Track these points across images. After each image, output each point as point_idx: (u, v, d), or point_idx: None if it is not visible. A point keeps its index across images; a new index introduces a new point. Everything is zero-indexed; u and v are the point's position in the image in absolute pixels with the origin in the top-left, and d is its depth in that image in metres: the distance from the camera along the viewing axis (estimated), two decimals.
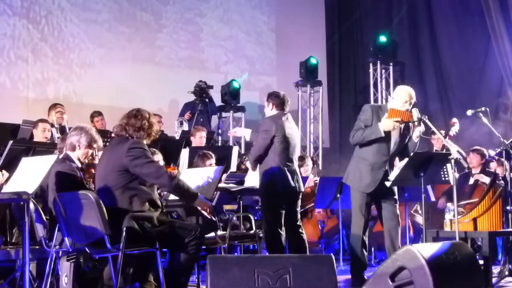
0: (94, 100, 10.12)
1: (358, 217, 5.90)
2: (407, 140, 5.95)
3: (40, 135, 7.54)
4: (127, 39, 10.81)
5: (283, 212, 5.86)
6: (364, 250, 5.93)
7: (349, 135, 5.99)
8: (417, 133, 5.85)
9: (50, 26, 10.07)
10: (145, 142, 4.78)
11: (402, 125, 5.85)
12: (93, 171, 5.36)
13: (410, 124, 5.86)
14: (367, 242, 6.01)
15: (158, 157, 6.36)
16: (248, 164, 6.44)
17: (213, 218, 5.07)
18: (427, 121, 5.79)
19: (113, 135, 5.47)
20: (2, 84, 9.70)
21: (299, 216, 6.06)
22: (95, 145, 5.07)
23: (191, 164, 7.23)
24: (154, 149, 6.30)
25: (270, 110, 6.01)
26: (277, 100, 6.00)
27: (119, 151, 4.66)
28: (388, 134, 5.82)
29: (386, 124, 5.77)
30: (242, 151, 10.27)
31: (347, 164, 6.14)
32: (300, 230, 6.01)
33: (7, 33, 9.70)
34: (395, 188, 6.03)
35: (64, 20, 10.18)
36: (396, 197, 6.04)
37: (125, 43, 10.77)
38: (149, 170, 4.61)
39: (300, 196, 6.06)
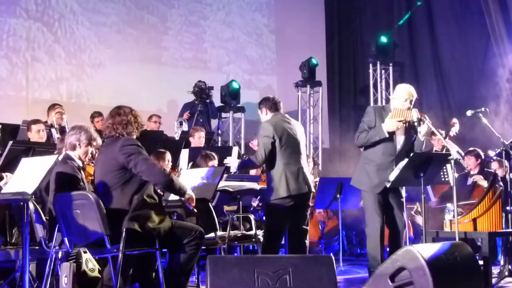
0: (99, 99, 10.34)
1: (374, 217, 5.84)
2: (413, 139, 5.93)
3: (35, 136, 7.45)
4: (135, 41, 11.07)
5: (286, 218, 5.70)
6: (381, 250, 5.85)
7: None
8: (423, 131, 5.82)
9: (63, 29, 10.40)
10: (135, 136, 4.80)
11: (406, 125, 5.83)
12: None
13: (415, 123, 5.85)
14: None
15: (168, 157, 6.46)
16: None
17: (195, 210, 5.00)
18: (427, 122, 5.78)
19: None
20: (18, 83, 9.95)
21: (307, 220, 5.85)
22: (94, 143, 5.07)
23: (191, 165, 7.24)
24: (164, 150, 6.40)
25: (265, 115, 5.91)
26: (268, 102, 5.91)
27: (113, 151, 4.68)
28: (393, 134, 5.81)
29: (390, 124, 5.76)
30: (242, 152, 10.28)
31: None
32: (304, 236, 5.82)
33: (22, 35, 10.02)
34: (404, 188, 6.01)
35: (76, 23, 10.51)
36: (404, 198, 6.02)
37: (132, 44, 11.03)
38: (142, 167, 4.60)
39: (311, 196, 5.90)
